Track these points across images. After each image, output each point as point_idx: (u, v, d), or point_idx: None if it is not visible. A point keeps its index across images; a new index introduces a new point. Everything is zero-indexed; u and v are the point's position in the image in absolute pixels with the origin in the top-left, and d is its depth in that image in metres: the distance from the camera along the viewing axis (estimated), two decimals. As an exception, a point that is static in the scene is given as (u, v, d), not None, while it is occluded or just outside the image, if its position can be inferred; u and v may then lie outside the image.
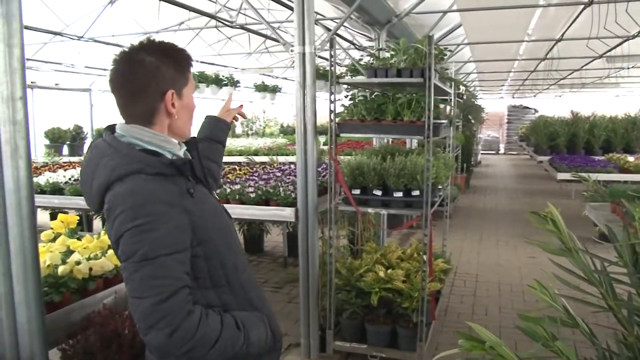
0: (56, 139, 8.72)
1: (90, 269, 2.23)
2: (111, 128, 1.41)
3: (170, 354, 1.25)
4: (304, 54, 3.28)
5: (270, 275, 5.41)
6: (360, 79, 3.57)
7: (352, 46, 7.59)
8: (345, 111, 3.60)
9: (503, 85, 16.66)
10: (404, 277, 3.44)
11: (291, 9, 4.63)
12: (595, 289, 1.32)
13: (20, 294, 1.71)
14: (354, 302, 3.50)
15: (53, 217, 6.15)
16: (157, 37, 1.45)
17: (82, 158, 6.03)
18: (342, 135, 3.55)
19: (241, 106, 2.06)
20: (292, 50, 3.34)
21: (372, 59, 3.82)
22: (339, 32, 6.62)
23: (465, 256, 6.18)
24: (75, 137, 9.00)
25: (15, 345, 1.72)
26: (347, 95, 3.73)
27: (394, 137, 4.99)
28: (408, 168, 3.36)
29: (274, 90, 10.67)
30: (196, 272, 1.34)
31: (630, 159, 8.09)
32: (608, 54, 7.49)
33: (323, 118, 3.54)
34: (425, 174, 3.21)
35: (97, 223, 6.76)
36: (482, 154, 18.82)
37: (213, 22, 6.43)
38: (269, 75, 11.24)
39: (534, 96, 19.73)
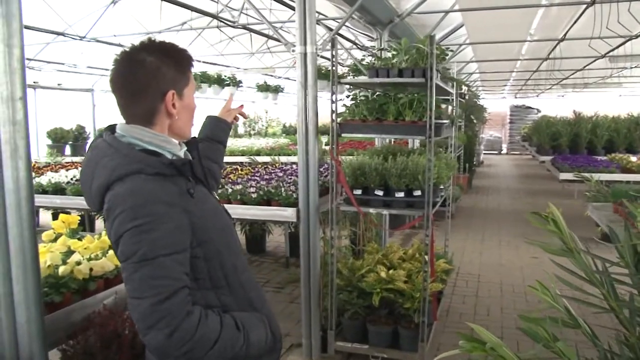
0: (59, 139, 8.73)
1: (91, 269, 2.23)
2: (111, 128, 1.41)
3: (169, 355, 1.24)
4: (305, 54, 3.27)
5: (272, 275, 5.41)
6: (362, 79, 3.57)
7: (354, 46, 7.59)
8: (347, 111, 3.60)
9: (505, 85, 16.64)
10: (405, 278, 3.44)
11: (293, 8, 4.65)
12: (597, 289, 1.32)
13: (19, 294, 1.71)
14: (356, 302, 3.50)
15: (55, 217, 6.14)
16: (159, 37, 1.44)
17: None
18: (343, 135, 3.55)
19: (242, 106, 2.06)
20: (293, 50, 3.34)
21: (373, 59, 3.81)
22: (340, 32, 6.63)
23: (467, 256, 6.17)
24: (77, 137, 9.02)
25: (15, 346, 1.72)
26: (349, 95, 3.73)
27: (396, 137, 4.98)
28: (410, 168, 3.35)
29: (276, 90, 10.68)
30: (196, 272, 1.34)
31: (633, 159, 8.06)
32: (610, 53, 7.48)
33: (325, 118, 3.53)
34: (427, 174, 3.21)
35: (99, 223, 6.77)
36: (484, 154, 18.81)
37: (215, 22, 6.45)
38: (271, 75, 11.25)
39: (537, 96, 19.72)
